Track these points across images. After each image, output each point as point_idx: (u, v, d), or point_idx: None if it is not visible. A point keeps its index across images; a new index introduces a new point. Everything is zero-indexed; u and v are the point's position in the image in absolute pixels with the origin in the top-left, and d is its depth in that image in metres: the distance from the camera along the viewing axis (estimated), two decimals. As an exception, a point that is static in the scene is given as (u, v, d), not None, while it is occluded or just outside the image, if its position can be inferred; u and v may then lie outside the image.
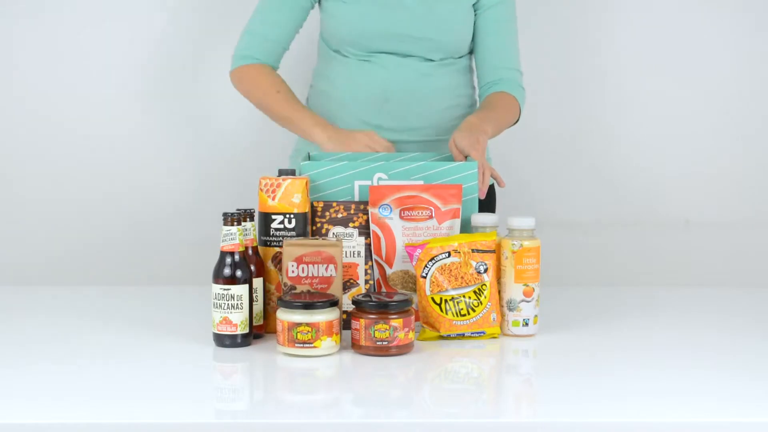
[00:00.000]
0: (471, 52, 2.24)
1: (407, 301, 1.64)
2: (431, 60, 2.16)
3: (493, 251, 1.75)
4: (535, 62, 2.29)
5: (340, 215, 1.79)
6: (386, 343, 1.62)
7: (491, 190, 2.27)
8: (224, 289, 1.66)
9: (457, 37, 2.17)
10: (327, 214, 1.79)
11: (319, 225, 1.79)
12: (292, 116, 2.12)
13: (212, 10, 2.88)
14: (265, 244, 1.77)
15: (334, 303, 1.63)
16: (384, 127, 2.15)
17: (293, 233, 1.76)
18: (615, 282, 2.88)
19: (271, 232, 1.76)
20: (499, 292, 1.77)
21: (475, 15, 2.18)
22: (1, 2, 2.84)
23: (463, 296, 1.72)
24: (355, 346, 1.64)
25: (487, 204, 2.15)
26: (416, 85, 2.16)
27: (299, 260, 1.69)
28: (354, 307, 1.65)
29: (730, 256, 2.94)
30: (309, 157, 1.99)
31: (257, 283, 1.72)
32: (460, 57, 2.20)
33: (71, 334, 1.77)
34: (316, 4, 2.20)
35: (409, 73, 2.16)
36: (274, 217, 1.76)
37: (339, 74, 2.19)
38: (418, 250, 1.73)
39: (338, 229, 1.79)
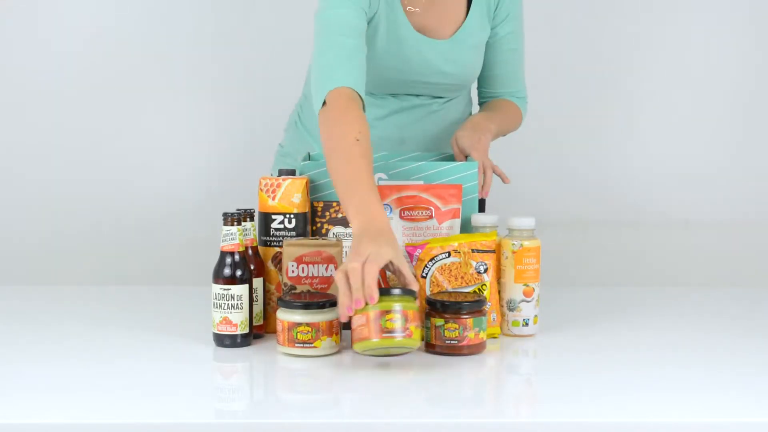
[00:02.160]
0: None
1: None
2: (449, 99, 2.14)
3: (493, 251, 1.75)
4: (536, 63, 2.29)
5: (340, 215, 1.79)
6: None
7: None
8: (224, 289, 1.66)
9: (474, 78, 2.15)
10: (327, 214, 1.79)
11: (319, 225, 1.79)
12: (351, 182, 1.69)
13: (214, 10, 2.89)
14: (265, 244, 1.77)
15: (334, 303, 1.63)
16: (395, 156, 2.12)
17: (293, 233, 1.76)
18: (615, 282, 2.88)
19: (271, 232, 1.76)
20: (499, 292, 1.77)
21: (487, 43, 2.14)
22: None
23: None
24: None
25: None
26: (431, 123, 2.11)
27: (299, 260, 1.69)
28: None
29: (730, 256, 2.95)
30: (309, 157, 1.99)
31: (257, 283, 1.72)
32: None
33: (71, 334, 1.77)
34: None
35: (424, 113, 2.11)
36: (274, 217, 1.76)
37: None
38: (418, 250, 1.73)
39: (338, 229, 1.79)
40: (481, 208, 2.14)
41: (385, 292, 1.55)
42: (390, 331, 1.54)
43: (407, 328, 1.55)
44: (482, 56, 2.13)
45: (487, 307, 1.72)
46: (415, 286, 1.59)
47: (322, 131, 1.78)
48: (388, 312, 1.54)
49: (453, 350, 1.63)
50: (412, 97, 2.10)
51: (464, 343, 1.62)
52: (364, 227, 1.61)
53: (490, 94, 2.20)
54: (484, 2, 2.08)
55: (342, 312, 1.54)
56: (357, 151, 1.71)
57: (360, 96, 1.81)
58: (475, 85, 2.23)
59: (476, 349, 1.64)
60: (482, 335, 1.64)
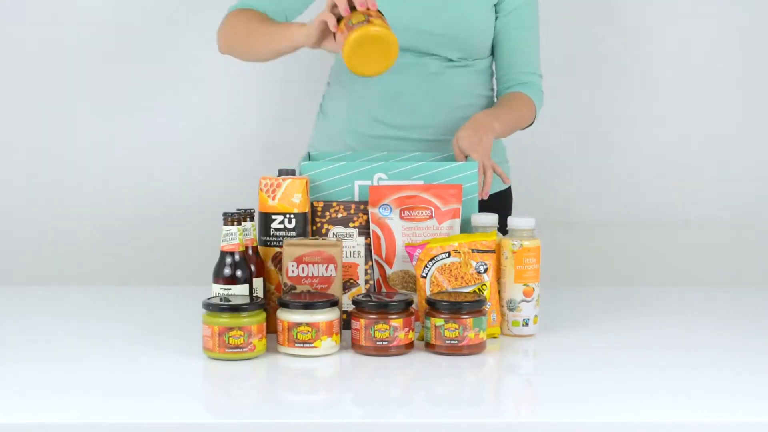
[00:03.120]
0: (492, 54, 2.21)
1: (407, 301, 1.64)
2: (448, 60, 2.14)
3: (493, 251, 1.75)
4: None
5: (340, 215, 1.79)
6: (386, 343, 1.62)
7: (508, 194, 2.27)
8: (224, 289, 1.66)
9: (472, 34, 2.13)
10: (327, 214, 1.79)
11: (319, 225, 1.79)
12: (275, 29, 2.04)
13: (215, 10, 2.88)
14: (265, 244, 1.77)
15: (334, 303, 1.63)
16: (392, 123, 2.14)
17: (293, 233, 1.76)
18: (615, 282, 2.88)
19: (271, 232, 1.76)
20: (499, 292, 1.77)
21: (497, 17, 2.16)
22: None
23: (463, 296, 1.72)
24: (355, 346, 1.64)
25: (503, 207, 2.15)
26: (428, 83, 2.13)
27: (299, 260, 1.69)
28: (354, 307, 1.65)
29: (730, 256, 2.94)
30: (309, 157, 1.99)
31: (257, 283, 1.72)
32: (477, 59, 2.17)
33: (71, 334, 1.77)
34: None
35: (422, 72, 2.12)
36: (274, 217, 1.76)
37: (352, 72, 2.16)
38: (418, 250, 1.73)
39: (338, 229, 1.79)
40: (507, 210, 2.14)
41: None
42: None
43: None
44: (484, 17, 2.12)
45: (487, 307, 1.72)
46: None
47: (227, 25, 2.16)
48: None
49: (453, 350, 1.63)
50: (409, 53, 2.10)
51: (464, 343, 1.62)
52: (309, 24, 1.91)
53: (502, 80, 2.17)
54: None
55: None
56: (266, 23, 2.08)
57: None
58: (494, 86, 2.22)
59: (476, 349, 1.64)
60: (482, 335, 1.64)
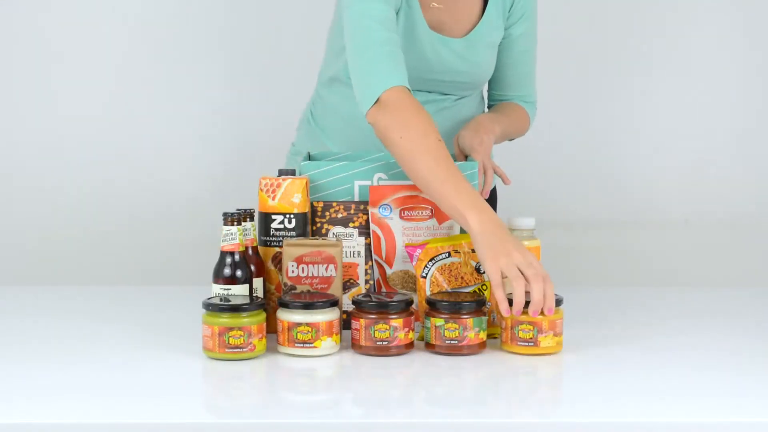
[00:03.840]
0: None
1: (407, 301, 1.64)
2: (455, 95, 2.14)
3: (493, 251, 1.75)
4: (538, 63, 2.29)
5: (340, 215, 1.79)
6: (386, 343, 1.62)
7: (493, 193, 2.27)
8: (224, 289, 1.66)
9: (483, 77, 2.13)
10: (327, 214, 1.79)
11: (319, 225, 1.79)
12: (447, 183, 1.69)
13: (217, 10, 2.88)
14: (265, 244, 1.77)
15: (334, 303, 1.63)
16: None
17: (293, 233, 1.76)
18: (615, 282, 2.88)
19: (271, 232, 1.76)
20: (499, 292, 1.77)
21: (501, 41, 2.13)
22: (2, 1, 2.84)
23: (463, 296, 1.72)
24: (355, 346, 1.64)
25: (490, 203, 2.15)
26: (443, 120, 2.08)
27: (299, 260, 1.69)
28: (354, 307, 1.65)
29: (730, 256, 2.95)
30: (309, 157, 1.99)
31: (257, 283, 1.72)
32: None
33: (71, 334, 1.77)
34: None
35: (435, 109, 2.08)
36: (274, 217, 1.76)
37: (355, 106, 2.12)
38: (418, 250, 1.73)
39: (338, 229, 1.79)
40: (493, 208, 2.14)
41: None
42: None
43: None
44: (495, 56, 2.12)
45: (487, 307, 1.72)
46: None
47: (390, 131, 1.74)
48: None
49: (453, 350, 1.63)
50: (425, 93, 2.09)
51: (464, 343, 1.62)
52: (489, 219, 1.65)
53: (499, 96, 2.19)
54: (500, 1, 2.07)
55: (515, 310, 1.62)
56: (443, 152, 1.71)
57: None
58: (485, 86, 2.23)
59: (476, 349, 1.64)
60: (482, 335, 1.64)
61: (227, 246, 1.67)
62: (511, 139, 2.18)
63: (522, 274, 1.61)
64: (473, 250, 1.73)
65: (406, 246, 1.75)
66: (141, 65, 2.87)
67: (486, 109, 2.23)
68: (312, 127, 2.21)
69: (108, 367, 1.58)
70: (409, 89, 1.80)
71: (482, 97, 2.22)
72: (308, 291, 1.68)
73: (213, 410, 1.44)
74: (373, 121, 1.77)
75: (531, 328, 1.62)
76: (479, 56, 2.07)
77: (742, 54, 2.93)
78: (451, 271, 1.72)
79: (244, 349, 1.59)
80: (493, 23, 2.07)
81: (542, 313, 1.61)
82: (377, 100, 1.77)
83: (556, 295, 1.63)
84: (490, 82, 2.19)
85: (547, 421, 1.38)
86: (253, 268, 1.71)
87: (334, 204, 1.79)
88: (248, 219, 1.72)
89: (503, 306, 1.61)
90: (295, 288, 1.69)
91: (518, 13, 2.09)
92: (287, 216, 1.75)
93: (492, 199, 2.26)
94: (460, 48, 2.04)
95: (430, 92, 2.09)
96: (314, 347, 1.60)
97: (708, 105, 2.94)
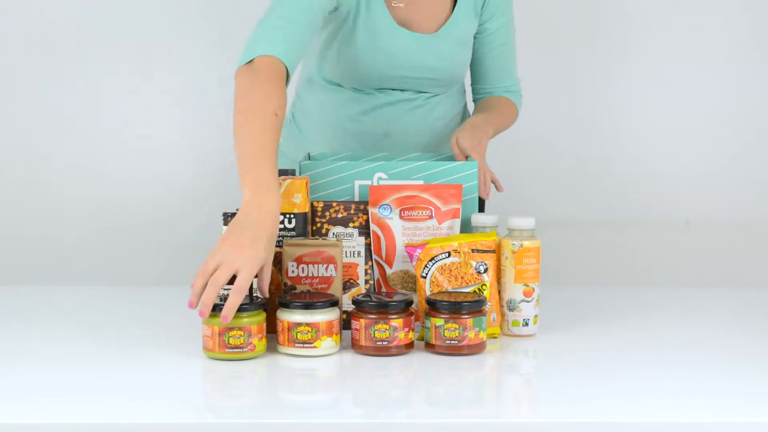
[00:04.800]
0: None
1: (407, 301, 1.64)
2: (431, 93, 2.15)
3: (493, 251, 1.75)
4: (535, 63, 2.30)
5: (340, 215, 1.79)
6: (386, 343, 1.62)
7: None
8: (224, 289, 1.66)
9: (455, 74, 2.15)
10: (327, 214, 1.79)
11: (319, 225, 1.79)
12: (253, 154, 1.66)
13: (215, 9, 2.89)
14: (265, 244, 1.77)
15: (334, 303, 1.63)
16: (380, 156, 2.13)
17: (293, 233, 1.76)
18: (615, 282, 2.88)
19: (271, 232, 1.76)
20: (499, 292, 1.77)
21: (477, 37, 2.15)
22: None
23: (463, 296, 1.72)
24: (355, 346, 1.64)
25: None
26: (416, 118, 2.13)
27: (299, 260, 1.69)
28: (354, 307, 1.65)
29: (730, 256, 2.95)
30: (309, 157, 1.99)
31: (257, 283, 1.72)
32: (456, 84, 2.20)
33: (70, 334, 1.77)
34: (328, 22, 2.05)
35: (408, 108, 2.12)
36: (274, 217, 1.76)
37: (335, 103, 2.15)
38: (418, 250, 1.73)
39: (338, 229, 1.79)
40: (481, 208, 2.14)
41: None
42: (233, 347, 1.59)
43: (251, 344, 1.59)
44: (469, 52, 2.13)
45: (487, 307, 1.72)
46: (263, 294, 1.63)
47: (240, 89, 1.73)
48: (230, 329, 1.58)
49: (453, 350, 1.63)
50: (397, 92, 2.11)
51: (464, 343, 1.62)
52: (246, 211, 1.59)
53: (483, 90, 2.20)
54: None
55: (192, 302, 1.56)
56: (272, 124, 1.68)
57: (287, 71, 1.78)
58: (469, 82, 2.23)
59: (476, 349, 1.64)
60: (482, 335, 1.64)
61: (227, 246, 1.67)
62: (499, 133, 2.19)
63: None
64: (473, 250, 1.73)
65: (406, 246, 1.75)
66: (141, 65, 2.87)
67: (469, 104, 2.24)
68: (292, 127, 2.23)
69: (107, 368, 1.58)
70: (283, 62, 1.77)
71: (463, 92, 2.22)
72: (308, 291, 1.68)
73: (213, 410, 1.44)
74: (235, 78, 1.76)
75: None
76: (450, 52, 2.09)
77: (744, 54, 2.93)
78: (451, 271, 1.72)
79: (244, 349, 1.59)
80: (464, 19, 2.08)
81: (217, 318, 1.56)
82: (250, 61, 1.76)
83: (244, 305, 1.58)
84: (472, 77, 2.21)
85: (547, 420, 1.38)
86: (253, 268, 1.71)
87: (334, 204, 1.79)
88: (248, 219, 1.72)
89: (192, 299, 1.57)
90: (295, 288, 1.69)
91: (492, 8, 2.11)
92: (287, 216, 1.75)
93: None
94: (430, 43, 2.05)
95: (403, 90, 2.10)
96: (314, 347, 1.60)
97: (709, 105, 2.94)
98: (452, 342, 1.62)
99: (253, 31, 1.83)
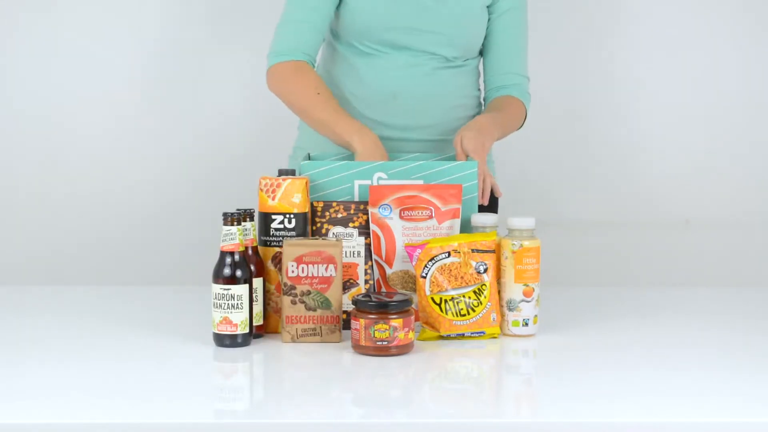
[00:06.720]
0: (480, 54, 2.22)
1: (407, 301, 1.64)
2: (442, 58, 2.14)
3: (493, 251, 1.75)
4: (535, 63, 2.29)
5: (340, 215, 1.79)
6: (386, 343, 1.62)
7: (493, 196, 2.28)
8: (224, 289, 1.66)
9: (468, 33, 2.14)
10: (327, 214, 1.79)
11: (319, 225, 1.79)
12: (329, 120, 2.01)
13: (214, 10, 2.89)
14: (265, 244, 1.77)
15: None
16: (389, 124, 2.13)
17: (293, 233, 1.76)
18: (615, 282, 2.88)
19: (271, 232, 1.76)
20: (499, 292, 1.77)
21: (489, 17, 2.17)
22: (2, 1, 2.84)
23: (463, 296, 1.72)
24: (355, 346, 1.64)
25: (490, 206, 2.15)
26: (425, 82, 2.13)
27: (299, 260, 1.69)
28: (354, 307, 1.65)
29: (730, 256, 2.95)
30: (309, 157, 1.99)
31: (257, 283, 1.72)
32: (469, 59, 2.18)
33: (71, 334, 1.77)
34: None
35: (418, 71, 2.13)
36: (274, 217, 1.76)
37: (346, 69, 2.16)
38: (418, 250, 1.73)
39: (338, 229, 1.79)
40: (493, 208, 2.14)
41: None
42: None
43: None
44: (479, 17, 2.14)
45: (488, 307, 1.72)
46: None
47: (282, 86, 2.09)
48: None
49: (381, 351, 1.62)
50: (410, 55, 2.11)
51: (394, 344, 1.62)
52: (371, 140, 1.96)
53: (494, 82, 2.19)
54: None
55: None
56: (323, 98, 2.05)
57: (311, 64, 2.10)
58: (481, 87, 2.23)
59: (405, 349, 1.63)
60: (411, 335, 1.64)
61: (227, 246, 1.67)
62: (505, 136, 2.18)
63: None
64: (473, 250, 1.73)
65: (406, 246, 1.75)
66: (141, 65, 2.87)
67: (482, 99, 2.22)
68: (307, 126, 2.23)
69: (108, 367, 1.58)
70: (303, 61, 2.09)
71: (476, 84, 2.21)
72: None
73: (213, 410, 1.44)
74: (269, 82, 2.11)
75: None
76: (456, 3, 2.10)
77: (744, 54, 2.93)
78: (451, 271, 1.72)
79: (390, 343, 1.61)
80: None
81: None
82: (274, 65, 2.09)
83: None
84: (483, 68, 2.20)
85: (547, 420, 1.38)
86: (252, 268, 1.71)
87: (334, 204, 1.79)
88: (248, 219, 1.72)
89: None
90: (294, 288, 1.69)
91: None
92: (287, 216, 1.75)
93: (492, 205, 2.27)
94: None
95: (420, 53, 2.10)
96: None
97: (709, 105, 2.94)
98: (383, 343, 1.62)
99: (277, 28, 2.10)
